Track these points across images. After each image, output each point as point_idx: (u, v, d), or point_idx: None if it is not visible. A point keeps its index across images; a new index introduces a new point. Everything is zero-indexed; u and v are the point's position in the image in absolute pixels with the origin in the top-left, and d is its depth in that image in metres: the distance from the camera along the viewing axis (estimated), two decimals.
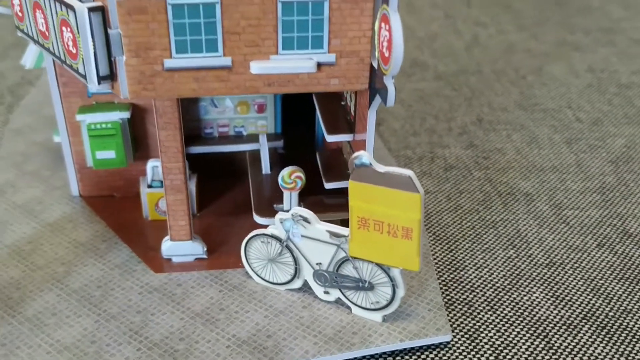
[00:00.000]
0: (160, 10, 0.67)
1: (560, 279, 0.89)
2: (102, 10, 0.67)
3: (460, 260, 0.92)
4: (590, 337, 0.80)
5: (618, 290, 0.87)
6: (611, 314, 0.83)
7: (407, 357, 0.77)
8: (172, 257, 0.87)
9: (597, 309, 0.84)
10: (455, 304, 0.84)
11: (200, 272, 0.86)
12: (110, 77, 0.70)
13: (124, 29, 0.68)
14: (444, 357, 0.77)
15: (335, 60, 0.72)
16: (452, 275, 0.89)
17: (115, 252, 0.89)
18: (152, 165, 0.93)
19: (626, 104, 1.39)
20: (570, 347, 0.78)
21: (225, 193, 1.02)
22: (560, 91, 1.44)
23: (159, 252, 0.88)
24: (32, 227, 0.94)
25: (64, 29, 0.70)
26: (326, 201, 0.88)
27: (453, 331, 0.80)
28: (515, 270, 0.90)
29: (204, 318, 0.79)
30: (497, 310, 0.83)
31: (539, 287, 0.87)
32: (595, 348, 0.78)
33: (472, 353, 0.77)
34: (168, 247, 0.87)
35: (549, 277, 0.89)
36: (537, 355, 0.77)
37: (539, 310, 0.84)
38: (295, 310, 0.80)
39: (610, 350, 0.78)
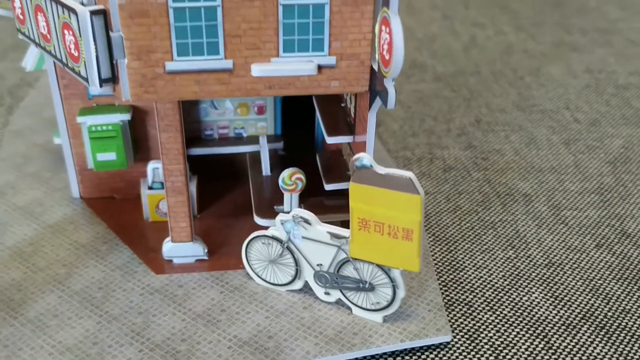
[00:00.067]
0: (162, 13, 0.68)
1: (559, 280, 0.89)
2: (104, 14, 0.67)
3: (460, 261, 0.93)
4: (589, 337, 0.80)
5: (617, 291, 0.88)
6: (610, 314, 0.84)
7: (407, 357, 0.77)
8: (173, 259, 0.88)
9: (596, 309, 0.84)
10: (455, 305, 0.85)
11: (201, 274, 0.86)
12: (112, 79, 0.71)
13: (125, 32, 0.68)
14: (444, 357, 0.77)
15: (335, 62, 0.73)
16: (451, 276, 0.89)
17: (116, 253, 0.90)
18: (153, 167, 0.93)
19: (624, 104, 1.39)
20: (569, 347, 0.79)
21: (226, 194, 1.02)
22: (558, 92, 1.44)
23: (160, 254, 0.88)
24: (33, 229, 0.94)
25: (65, 32, 0.70)
26: (326, 202, 0.89)
27: (453, 331, 0.81)
28: (515, 270, 0.91)
29: (205, 319, 0.79)
30: (496, 310, 0.84)
31: (538, 288, 0.88)
32: (594, 348, 0.79)
33: (472, 353, 0.78)
34: (169, 248, 0.87)
35: (548, 278, 0.90)
36: (536, 355, 0.78)
37: (538, 310, 0.84)
38: (296, 311, 0.81)
39: (609, 350, 0.78)
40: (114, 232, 0.93)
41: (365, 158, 0.71)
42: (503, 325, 0.82)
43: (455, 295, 0.86)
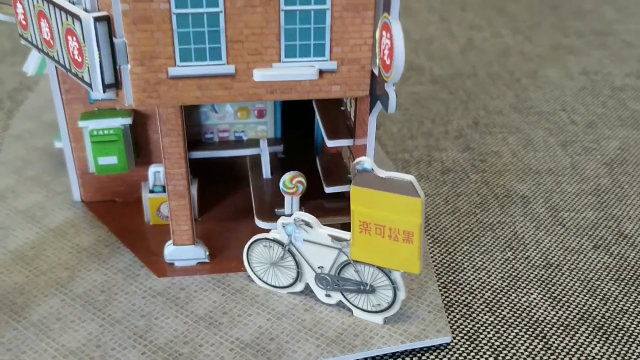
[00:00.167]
0: (165, 19, 0.69)
1: (557, 280, 0.90)
2: (107, 20, 0.68)
3: (459, 262, 0.93)
4: (587, 337, 0.81)
5: (614, 291, 0.89)
6: (607, 314, 0.85)
7: (407, 358, 0.78)
8: (174, 262, 0.88)
9: (594, 310, 0.85)
10: (455, 306, 0.85)
11: (203, 276, 0.87)
12: (115, 85, 0.71)
13: (129, 38, 0.69)
14: (444, 358, 0.78)
15: (336, 67, 0.74)
16: (451, 277, 0.90)
17: (118, 256, 0.90)
18: (154, 171, 0.94)
19: (620, 106, 1.41)
20: (568, 347, 0.80)
21: (226, 197, 1.03)
22: (555, 94, 1.45)
23: (162, 257, 0.89)
24: (34, 233, 0.94)
25: (69, 38, 0.71)
26: (327, 205, 0.90)
27: (453, 332, 0.81)
28: (513, 272, 0.92)
29: (207, 322, 0.80)
30: (495, 311, 0.85)
31: (536, 289, 0.89)
32: (593, 348, 0.80)
33: (472, 354, 0.79)
34: (171, 251, 0.88)
35: (546, 279, 0.91)
36: (535, 355, 0.79)
37: (537, 311, 0.85)
38: (297, 313, 0.81)
39: (607, 351, 0.79)
40: (115, 236, 0.94)
41: (366, 162, 0.72)
42: (502, 326, 0.83)
43: (454, 296, 0.87)
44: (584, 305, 0.86)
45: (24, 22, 0.80)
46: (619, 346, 0.80)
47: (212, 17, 0.69)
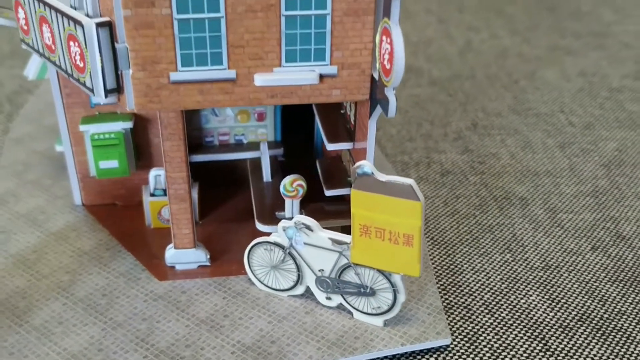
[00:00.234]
0: (167, 25, 0.69)
1: (556, 282, 0.91)
2: (109, 25, 0.68)
3: (458, 264, 0.94)
4: (585, 338, 0.82)
5: (612, 293, 0.89)
6: (606, 315, 0.85)
7: None
8: (175, 265, 0.89)
9: (592, 311, 0.86)
10: (454, 308, 0.86)
11: (204, 279, 0.87)
12: (117, 90, 0.72)
13: (130, 43, 0.69)
14: None
15: (337, 72, 0.74)
16: (450, 280, 0.91)
17: (119, 260, 0.91)
18: (155, 174, 0.94)
19: (617, 107, 1.41)
20: (566, 348, 0.80)
21: (227, 201, 1.03)
22: (553, 95, 1.46)
23: (163, 260, 0.89)
24: (36, 236, 0.95)
25: (71, 43, 0.71)
26: (327, 208, 0.90)
27: (452, 334, 0.82)
28: (512, 273, 0.92)
29: (208, 325, 0.80)
30: (495, 313, 0.85)
31: (535, 290, 0.89)
32: (591, 349, 0.80)
33: (472, 356, 0.79)
34: (172, 254, 0.88)
35: (545, 280, 0.91)
36: (534, 357, 0.79)
37: (536, 312, 0.86)
38: (298, 316, 0.82)
39: (605, 352, 0.80)
40: (116, 239, 0.94)
41: (366, 166, 0.72)
42: (501, 328, 0.83)
43: (454, 298, 0.88)
44: (582, 307, 0.87)
45: (25, 27, 0.81)
46: (617, 347, 0.81)
47: (213, 22, 0.70)
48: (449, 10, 1.97)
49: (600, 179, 1.15)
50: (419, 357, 0.79)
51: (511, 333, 0.82)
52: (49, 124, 1.24)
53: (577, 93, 1.48)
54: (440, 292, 0.88)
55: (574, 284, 0.91)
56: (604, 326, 0.84)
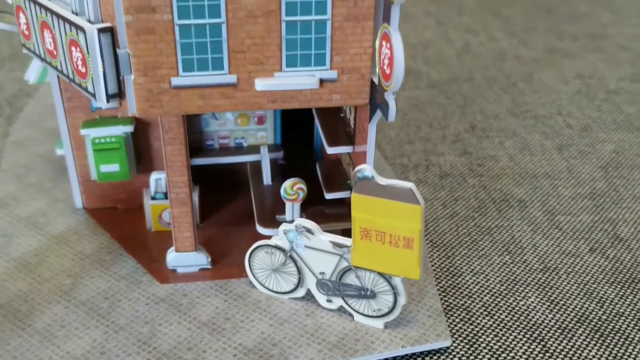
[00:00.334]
0: (168, 30, 0.69)
1: (555, 284, 0.92)
2: (111, 31, 0.69)
3: (458, 266, 0.95)
4: (584, 340, 0.83)
5: (610, 294, 0.90)
6: (604, 317, 0.86)
7: None
8: (177, 268, 0.89)
9: (591, 313, 0.87)
10: (454, 310, 0.87)
11: (205, 282, 0.88)
12: (119, 95, 0.72)
13: (132, 49, 0.70)
14: None
15: (337, 76, 0.75)
16: (450, 282, 0.92)
17: (120, 263, 0.91)
18: (156, 178, 0.95)
19: (614, 109, 1.42)
20: (565, 350, 0.81)
21: (227, 204, 1.04)
22: (551, 98, 1.47)
23: (164, 263, 0.90)
24: (37, 240, 0.95)
25: (73, 49, 0.72)
26: (327, 211, 0.91)
27: (452, 336, 0.83)
28: (511, 275, 0.93)
29: (210, 327, 0.81)
30: (494, 315, 0.86)
31: (534, 292, 0.90)
32: (590, 351, 0.81)
33: (472, 358, 0.80)
34: (173, 258, 0.89)
35: (543, 282, 0.92)
36: (533, 358, 0.80)
37: (535, 314, 0.86)
38: (299, 319, 0.82)
39: (603, 353, 0.81)
40: (117, 243, 0.95)
41: (366, 169, 0.73)
42: (501, 330, 0.84)
43: (453, 300, 0.88)
44: (580, 308, 0.87)
45: (26, 32, 0.81)
46: (616, 348, 0.81)
47: (214, 27, 0.70)
48: (448, 12, 1.98)
49: (598, 181, 1.16)
50: (419, 359, 0.79)
51: (510, 335, 0.83)
52: (49, 127, 1.25)
53: (574, 95, 1.48)
54: (439, 294, 0.89)
55: (572, 285, 0.92)
56: (602, 327, 0.84)
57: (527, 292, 0.90)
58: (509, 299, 0.89)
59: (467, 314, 0.86)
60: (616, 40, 1.79)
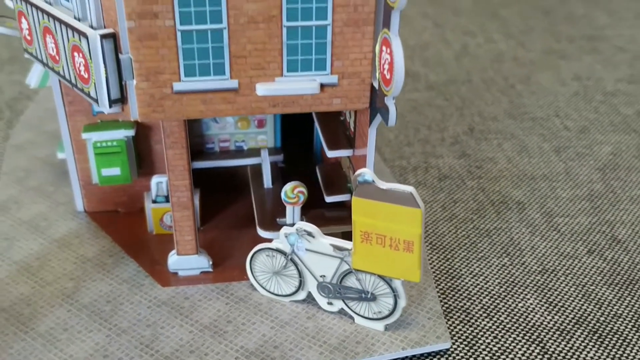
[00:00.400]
0: (170, 36, 0.70)
1: (553, 286, 0.92)
2: (113, 37, 0.69)
3: (457, 268, 0.95)
4: (582, 341, 0.83)
5: (608, 296, 0.91)
6: (602, 318, 0.87)
7: None
8: (178, 271, 0.90)
9: (589, 314, 0.88)
10: (454, 312, 0.87)
11: (207, 285, 0.88)
12: (121, 100, 0.73)
13: (134, 54, 0.70)
14: None
15: (337, 81, 0.75)
16: (449, 284, 0.92)
17: (122, 266, 0.92)
18: (157, 181, 0.95)
19: (612, 111, 1.43)
20: (564, 351, 0.82)
21: (228, 207, 1.04)
22: (548, 100, 1.48)
23: (165, 266, 0.90)
24: (39, 243, 0.95)
25: (75, 54, 0.72)
26: (327, 214, 0.91)
27: (452, 338, 0.83)
28: (510, 277, 0.94)
29: (212, 330, 0.81)
30: (493, 317, 0.87)
31: (533, 294, 0.91)
32: (588, 352, 0.82)
33: (471, 359, 0.80)
34: (174, 261, 0.89)
35: (542, 284, 0.93)
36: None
37: (534, 316, 0.87)
38: (300, 321, 0.83)
39: (602, 354, 0.81)
40: (119, 246, 0.95)
41: (367, 173, 0.73)
42: (500, 332, 0.85)
43: (453, 302, 0.89)
44: (579, 310, 0.88)
45: (28, 37, 0.82)
46: (614, 350, 0.82)
47: (216, 33, 0.71)
48: (445, 14, 1.98)
49: (596, 182, 1.17)
50: None
51: (509, 336, 0.84)
52: (49, 130, 1.25)
53: (572, 97, 1.49)
54: (439, 297, 0.90)
55: (571, 287, 0.92)
56: (601, 329, 0.85)
57: (526, 294, 0.91)
58: (507, 300, 0.90)
59: (466, 316, 0.87)
60: (613, 42, 1.80)
